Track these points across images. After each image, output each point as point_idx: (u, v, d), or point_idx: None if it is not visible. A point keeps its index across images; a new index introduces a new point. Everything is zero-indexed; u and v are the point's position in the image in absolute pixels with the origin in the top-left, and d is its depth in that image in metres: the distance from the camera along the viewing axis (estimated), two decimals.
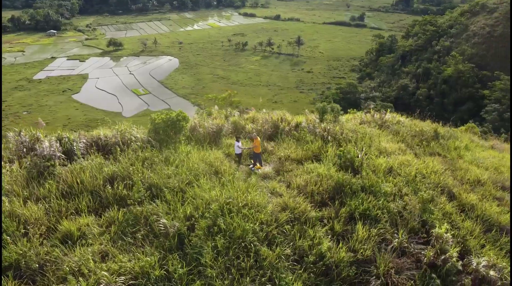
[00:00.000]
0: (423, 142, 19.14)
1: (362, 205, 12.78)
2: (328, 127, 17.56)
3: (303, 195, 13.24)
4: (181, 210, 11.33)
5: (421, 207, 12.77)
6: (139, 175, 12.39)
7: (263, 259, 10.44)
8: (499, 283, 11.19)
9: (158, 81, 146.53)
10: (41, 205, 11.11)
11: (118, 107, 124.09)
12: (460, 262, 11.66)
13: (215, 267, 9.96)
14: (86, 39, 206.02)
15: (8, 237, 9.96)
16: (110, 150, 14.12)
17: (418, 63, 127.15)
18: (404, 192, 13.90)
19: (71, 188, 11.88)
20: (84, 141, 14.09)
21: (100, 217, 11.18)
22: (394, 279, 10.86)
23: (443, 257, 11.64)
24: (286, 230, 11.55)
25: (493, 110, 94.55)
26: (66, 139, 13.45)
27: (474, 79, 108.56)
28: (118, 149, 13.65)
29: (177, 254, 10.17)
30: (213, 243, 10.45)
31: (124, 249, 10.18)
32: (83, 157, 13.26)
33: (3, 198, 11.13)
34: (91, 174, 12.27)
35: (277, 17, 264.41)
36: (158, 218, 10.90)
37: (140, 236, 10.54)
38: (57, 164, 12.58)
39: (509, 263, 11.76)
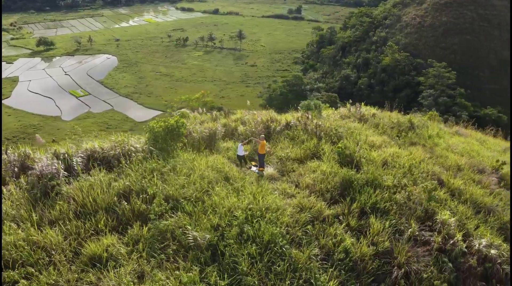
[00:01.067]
0: (402, 133, 20.19)
1: (371, 199, 13.34)
2: (320, 124, 17.93)
3: (313, 194, 13.51)
4: (205, 220, 11.12)
5: (427, 196, 13.55)
6: (154, 187, 11.92)
7: (295, 262, 10.58)
8: (499, 260, 12.26)
9: (97, 81, 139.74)
10: (57, 229, 10.35)
11: (56, 110, 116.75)
12: (465, 245, 12.65)
13: (253, 275, 9.94)
14: (12, 38, 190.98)
15: (32, 269, 9.17)
16: (110, 163, 13.39)
17: (358, 54, 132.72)
18: (403, 183, 14.65)
19: (84, 207, 11.16)
20: (82, 155, 13.22)
21: (123, 235, 10.66)
22: (414, 267, 11.52)
23: (451, 241, 12.52)
24: (308, 230, 11.76)
25: (428, 95, 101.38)
26: (65, 155, 12.53)
27: (409, 67, 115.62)
28: (123, 161, 12.98)
29: (214, 266, 10.01)
30: (246, 251, 10.41)
31: (158, 266, 9.83)
32: (88, 173, 12.46)
33: (12, 225, 10.21)
34: (102, 191, 11.60)
35: (216, 11, 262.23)
36: (185, 231, 10.60)
37: (171, 252, 10.21)
38: (63, 182, 11.72)
39: (507, 243, 12.91)
